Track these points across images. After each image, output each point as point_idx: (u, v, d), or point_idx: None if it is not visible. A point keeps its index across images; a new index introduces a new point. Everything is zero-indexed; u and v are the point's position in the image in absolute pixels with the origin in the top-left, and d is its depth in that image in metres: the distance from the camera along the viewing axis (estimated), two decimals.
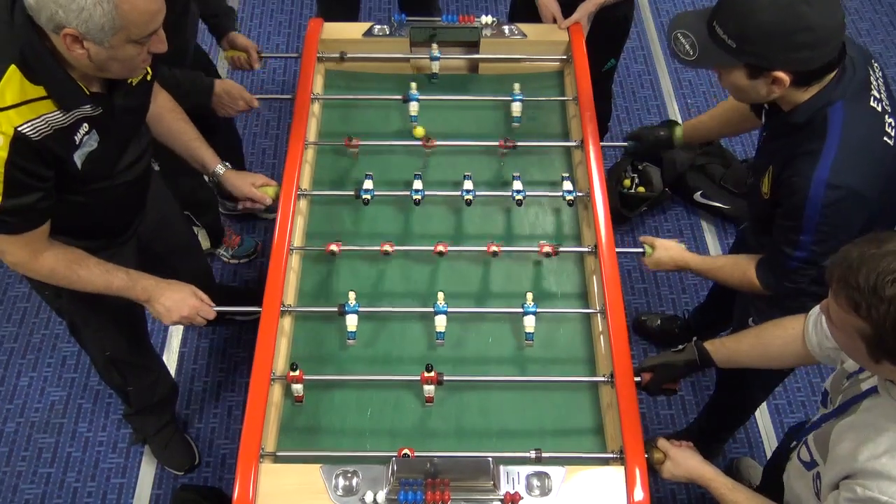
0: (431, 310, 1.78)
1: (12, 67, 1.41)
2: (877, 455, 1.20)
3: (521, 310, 1.77)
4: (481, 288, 1.93)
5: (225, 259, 2.99)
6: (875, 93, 1.57)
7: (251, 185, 1.99)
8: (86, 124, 1.54)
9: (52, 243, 1.63)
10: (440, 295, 1.76)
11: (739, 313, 2.02)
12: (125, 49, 1.44)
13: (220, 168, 1.98)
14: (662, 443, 1.61)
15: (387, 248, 1.85)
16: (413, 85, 2.15)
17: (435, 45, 2.26)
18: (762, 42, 1.47)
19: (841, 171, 1.51)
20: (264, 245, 3.01)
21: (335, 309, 1.78)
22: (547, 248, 1.86)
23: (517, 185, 1.95)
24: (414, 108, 2.13)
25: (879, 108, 1.57)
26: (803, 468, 1.42)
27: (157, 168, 2.21)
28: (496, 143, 2.12)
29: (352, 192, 1.96)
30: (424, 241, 1.98)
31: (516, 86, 2.17)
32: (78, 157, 1.55)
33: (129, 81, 1.62)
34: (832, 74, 1.53)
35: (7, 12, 1.42)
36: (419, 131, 2.12)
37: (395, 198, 2.04)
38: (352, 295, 1.77)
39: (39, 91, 1.44)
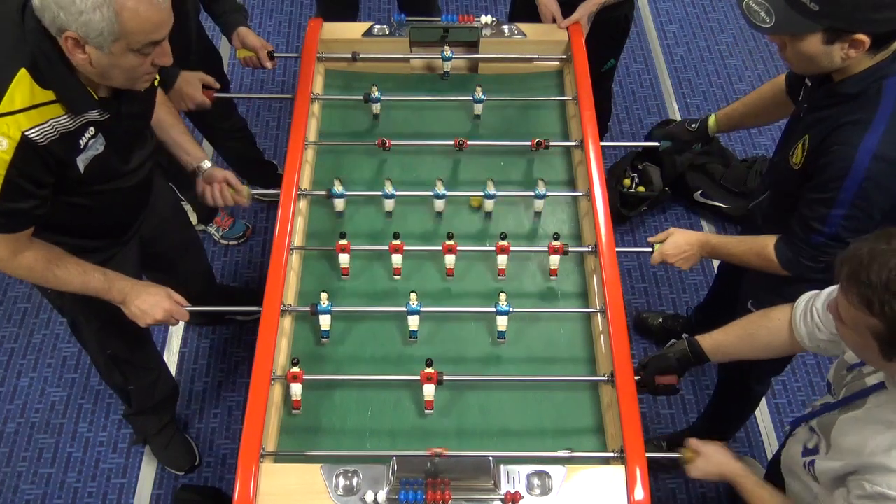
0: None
1: (22, 71, 1.42)
2: (885, 450, 1.19)
3: (493, 309, 1.78)
4: (482, 287, 1.93)
5: (216, 238, 3.02)
6: None
7: (232, 175, 1.99)
8: (92, 128, 1.54)
9: (32, 242, 1.62)
10: (413, 296, 1.77)
11: (741, 301, 2.03)
12: (126, 58, 1.44)
13: (206, 163, 1.97)
14: (693, 442, 1.61)
15: (396, 246, 1.86)
16: (374, 88, 2.15)
17: (447, 46, 2.26)
18: (849, 2, 1.43)
19: (889, 143, 1.49)
20: (265, 244, 3.02)
21: (308, 309, 1.79)
22: (555, 246, 1.85)
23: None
24: (376, 108, 2.15)
25: None
26: (800, 454, 1.43)
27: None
28: (496, 144, 2.13)
29: (351, 193, 1.97)
30: (425, 240, 1.98)
31: (478, 89, 2.17)
32: (81, 161, 1.55)
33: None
34: (894, 46, 1.51)
35: (18, 15, 1.43)
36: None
37: (395, 198, 2.03)
38: (324, 296, 1.77)
39: (49, 95, 1.45)
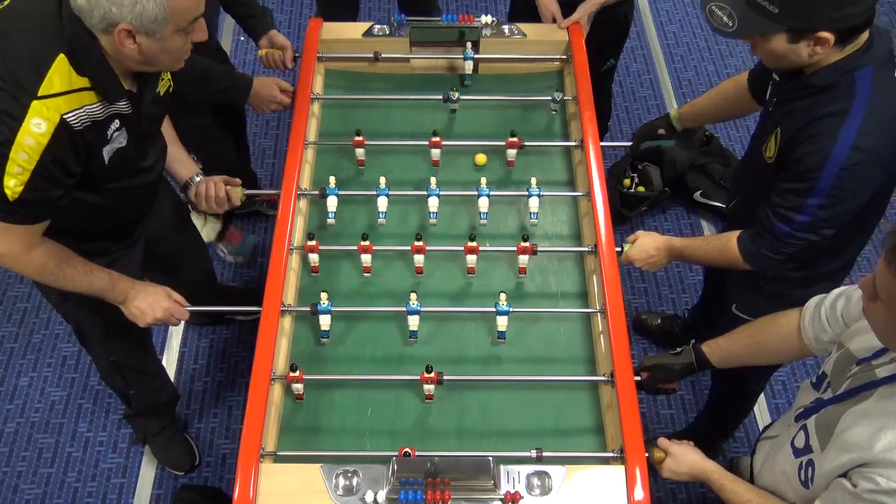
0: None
1: (61, 56, 1.43)
2: None
3: (493, 309, 1.78)
4: (481, 286, 1.93)
5: (222, 254, 2.99)
6: None
7: (224, 181, 1.98)
8: (117, 121, 1.57)
9: (43, 239, 1.63)
10: (413, 296, 1.77)
11: (726, 305, 2.03)
12: (174, 39, 1.48)
13: (197, 177, 1.97)
14: (663, 441, 1.61)
15: (365, 247, 1.87)
16: (453, 92, 2.15)
17: (469, 44, 2.25)
18: (807, 3, 1.44)
19: (866, 134, 1.50)
20: (264, 244, 3.02)
21: (308, 309, 1.79)
22: (524, 246, 1.86)
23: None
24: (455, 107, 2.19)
25: None
26: (791, 454, 1.42)
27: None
28: (495, 144, 2.13)
29: (352, 192, 1.99)
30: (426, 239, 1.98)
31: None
32: (106, 152, 1.58)
33: (157, 91, 1.66)
34: (865, 38, 1.52)
35: (55, 4, 1.44)
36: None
37: (396, 197, 2.03)
38: (324, 296, 1.78)
39: (84, 82, 1.47)
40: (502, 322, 1.79)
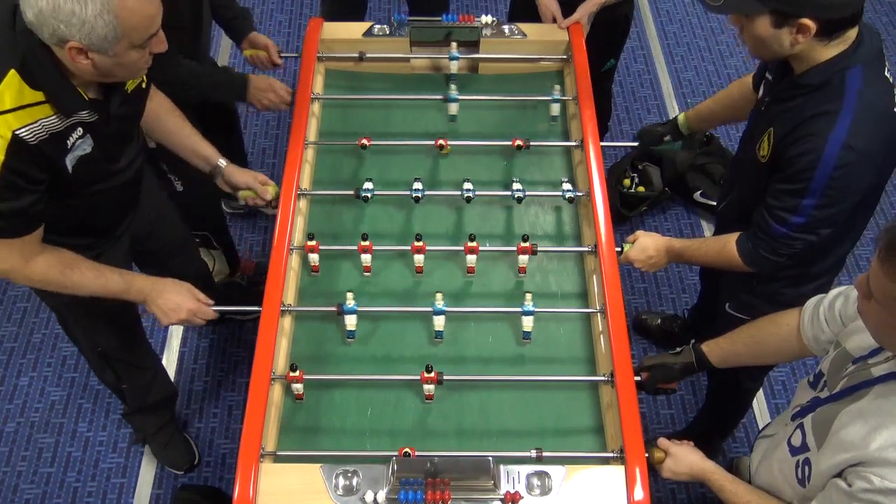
0: (430, 309, 1.79)
1: (12, 72, 1.42)
2: (894, 443, 1.18)
3: (519, 309, 1.78)
4: (481, 287, 1.93)
5: (241, 283, 2.93)
6: (887, 63, 1.59)
7: (254, 177, 2.00)
8: (80, 129, 1.54)
9: (44, 248, 1.62)
10: (438, 295, 1.77)
11: (720, 303, 2.03)
12: (129, 55, 1.46)
13: (222, 161, 1.99)
14: (663, 441, 1.61)
15: (365, 247, 1.87)
16: (452, 87, 2.15)
17: (454, 45, 2.25)
18: None
19: (857, 133, 1.51)
20: (265, 243, 3.02)
21: (334, 308, 1.78)
22: (524, 247, 1.86)
23: (516, 185, 1.97)
24: (453, 108, 2.17)
25: (892, 79, 1.58)
26: (788, 452, 1.42)
27: (180, 189, 2.25)
28: (496, 144, 2.13)
29: (351, 192, 1.97)
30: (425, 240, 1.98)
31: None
32: (69, 161, 1.55)
33: (125, 89, 1.64)
34: (854, 36, 1.53)
35: (10, 16, 1.43)
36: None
37: (395, 197, 2.04)
38: (349, 295, 1.77)
39: (38, 96, 1.45)
40: (528, 322, 1.78)
